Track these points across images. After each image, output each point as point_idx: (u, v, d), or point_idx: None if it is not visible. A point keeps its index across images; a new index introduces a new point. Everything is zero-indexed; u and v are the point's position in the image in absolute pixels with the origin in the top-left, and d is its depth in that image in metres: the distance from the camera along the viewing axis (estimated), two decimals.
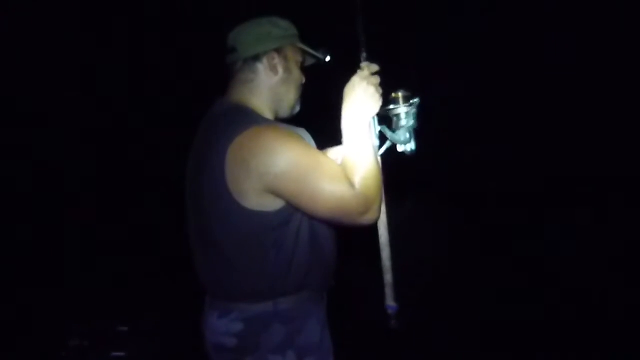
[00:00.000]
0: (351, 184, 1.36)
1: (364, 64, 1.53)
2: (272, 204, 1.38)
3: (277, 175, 1.33)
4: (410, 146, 1.56)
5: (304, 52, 1.61)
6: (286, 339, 1.47)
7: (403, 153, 1.58)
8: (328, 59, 1.64)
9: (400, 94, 1.54)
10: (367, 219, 1.40)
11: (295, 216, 1.42)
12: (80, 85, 4.08)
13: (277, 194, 1.36)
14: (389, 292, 1.61)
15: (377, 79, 1.51)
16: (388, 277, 1.61)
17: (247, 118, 1.43)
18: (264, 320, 1.46)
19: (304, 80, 1.62)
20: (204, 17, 3.92)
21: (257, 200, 1.37)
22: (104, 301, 3.82)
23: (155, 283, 4.04)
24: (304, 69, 1.63)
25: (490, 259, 4.09)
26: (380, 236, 1.62)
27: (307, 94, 1.63)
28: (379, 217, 1.47)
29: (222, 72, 1.60)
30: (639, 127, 4.19)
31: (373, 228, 1.56)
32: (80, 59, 4.01)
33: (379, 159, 1.52)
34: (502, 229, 4.39)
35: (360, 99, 1.47)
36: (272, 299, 1.46)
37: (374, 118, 1.51)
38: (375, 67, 1.53)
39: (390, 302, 1.60)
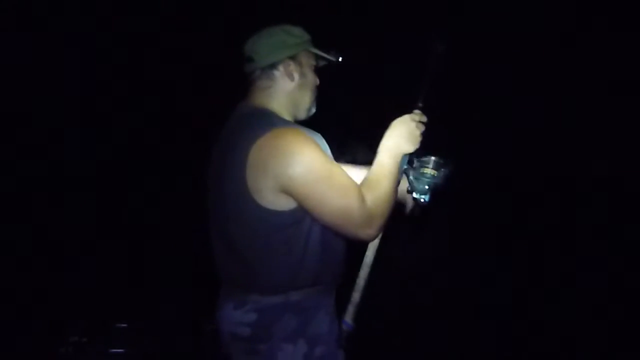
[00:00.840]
0: (362, 198, 1.44)
1: (417, 111, 1.65)
2: (286, 204, 1.47)
3: (291, 176, 1.41)
4: (425, 197, 1.64)
5: (317, 56, 1.70)
6: (297, 329, 1.56)
7: (416, 200, 1.66)
8: (340, 59, 1.72)
9: (432, 159, 1.64)
10: (366, 234, 1.48)
11: (307, 217, 1.50)
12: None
13: (289, 194, 1.45)
14: (351, 309, 1.63)
15: (423, 127, 1.64)
16: (356, 296, 1.64)
17: (269, 120, 1.52)
18: (276, 311, 1.55)
19: (318, 82, 1.71)
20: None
21: (272, 199, 1.45)
22: (104, 297, 3.81)
23: (155, 280, 4.05)
24: (318, 71, 1.72)
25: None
26: (366, 256, 1.67)
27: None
28: (377, 236, 1.56)
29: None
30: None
31: (364, 246, 1.64)
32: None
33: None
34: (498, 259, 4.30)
35: (404, 134, 1.59)
36: (283, 292, 1.55)
37: (405, 156, 1.61)
38: (424, 119, 1.66)
39: (349, 319, 1.62)
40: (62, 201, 4.19)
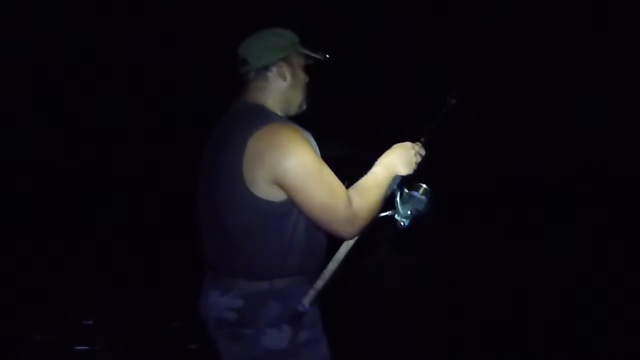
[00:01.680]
0: (347, 198, 1.56)
1: (419, 143, 1.81)
2: (278, 195, 1.58)
3: (285, 169, 1.53)
4: (405, 222, 1.77)
5: (306, 55, 1.82)
6: (281, 315, 1.64)
7: (395, 221, 1.78)
8: (327, 57, 1.84)
9: (423, 186, 1.78)
10: (347, 232, 1.61)
11: (295, 209, 1.61)
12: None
13: (281, 186, 1.56)
14: (311, 293, 1.67)
15: (420, 158, 1.79)
16: (319, 283, 1.68)
17: (267, 116, 1.64)
18: (261, 297, 1.64)
19: (308, 80, 1.82)
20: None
21: (265, 189, 1.56)
22: (69, 295, 3.83)
23: (121, 277, 4.06)
24: (308, 69, 1.83)
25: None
26: (338, 251, 1.73)
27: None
28: (356, 235, 1.66)
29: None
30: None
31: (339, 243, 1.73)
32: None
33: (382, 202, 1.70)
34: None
35: (403, 157, 1.74)
36: (269, 278, 1.65)
37: (397, 177, 1.74)
38: (424, 152, 1.81)
39: (306, 302, 1.65)
40: (29, 201, 4.14)
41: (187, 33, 4.33)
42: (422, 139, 1.83)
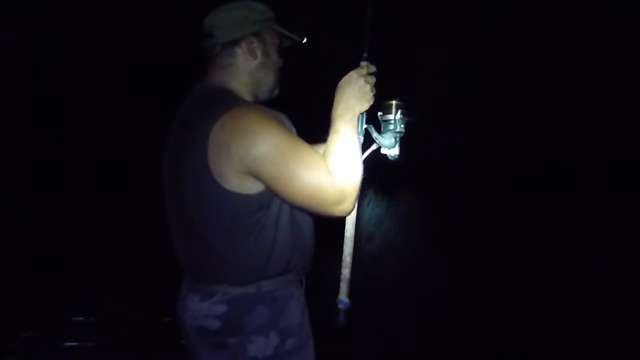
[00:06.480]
0: (330, 173, 1.37)
1: (363, 63, 1.54)
2: (253, 187, 1.39)
3: (257, 156, 1.34)
4: (395, 151, 1.57)
5: (281, 35, 1.62)
6: (269, 320, 1.49)
7: (386, 156, 1.59)
8: (304, 40, 1.64)
9: (393, 102, 1.56)
10: (340, 210, 1.40)
11: (275, 199, 1.44)
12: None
13: (256, 176, 1.37)
14: (343, 287, 1.59)
15: (373, 79, 1.53)
16: (345, 272, 1.60)
17: (229, 100, 1.43)
18: (249, 301, 1.48)
19: (281, 63, 1.63)
20: None
21: (237, 182, 1.38)
22: (60, 291, 3.75)
23: (111, 274, 3.98)
24: (281, 52, 1.63)
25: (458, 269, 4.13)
26: (346, 230, 1.61)
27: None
28: (352, 210, 1.47)
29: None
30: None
31: (341, 222, 1.58)
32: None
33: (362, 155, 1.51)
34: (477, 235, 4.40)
35: (355, 94, 1.48)
36: (255, 281, 1.48)
37: (362, 115, 1.52)
38: (373, 68, 1.55)
39: (343, 297, 1.58)
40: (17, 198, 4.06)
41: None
42: (365, 55, 1.56)
